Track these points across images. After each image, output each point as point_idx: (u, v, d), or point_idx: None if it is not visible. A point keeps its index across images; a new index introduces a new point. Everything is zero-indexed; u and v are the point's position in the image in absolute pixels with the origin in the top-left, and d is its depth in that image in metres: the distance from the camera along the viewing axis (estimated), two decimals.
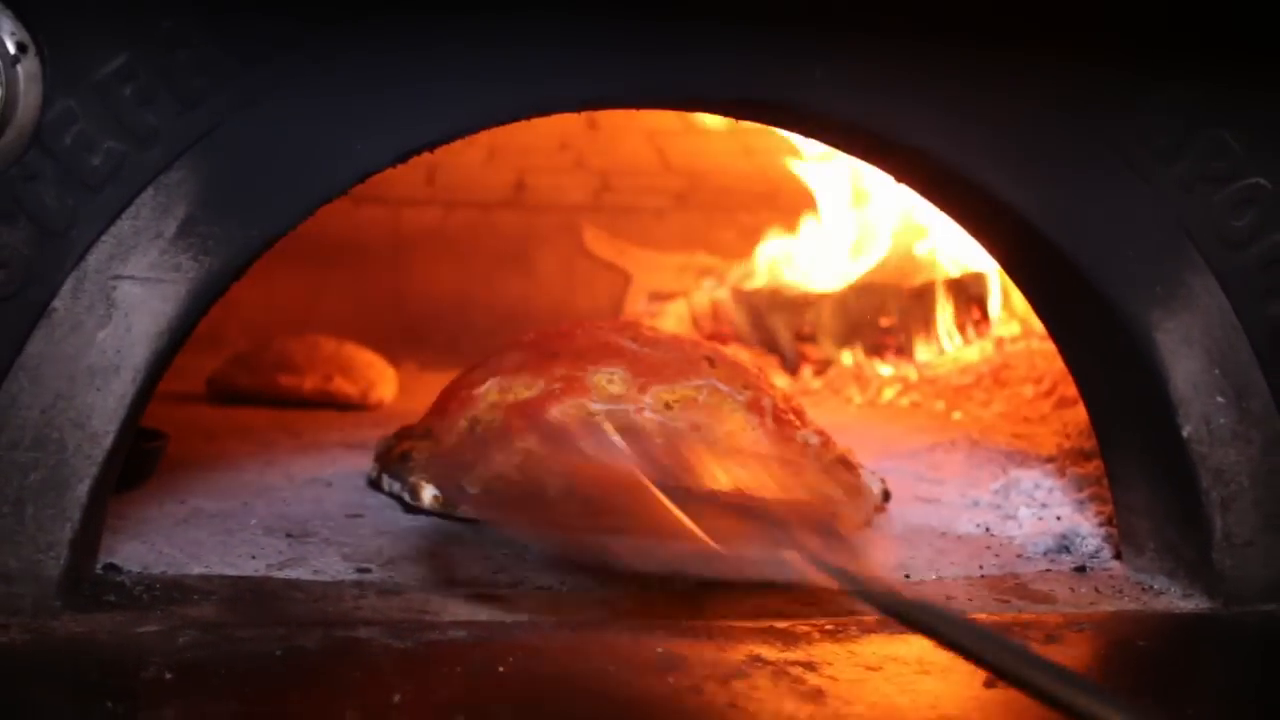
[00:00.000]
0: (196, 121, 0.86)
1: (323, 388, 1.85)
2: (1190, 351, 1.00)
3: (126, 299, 0.85)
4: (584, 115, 2.52)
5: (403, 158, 0.91)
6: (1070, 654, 0.88)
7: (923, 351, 2.16)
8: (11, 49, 0.82)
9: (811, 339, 2.20)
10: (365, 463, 1.38)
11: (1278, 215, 1.01)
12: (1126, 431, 1.09)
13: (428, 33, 0.90)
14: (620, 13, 0.92)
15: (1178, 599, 1.02)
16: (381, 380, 1.94)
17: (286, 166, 0.88)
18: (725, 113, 1.04)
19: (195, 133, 0.86)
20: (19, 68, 0.82)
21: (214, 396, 1.86)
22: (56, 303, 0.84)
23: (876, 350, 2.18)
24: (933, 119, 0.98)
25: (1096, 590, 1.04)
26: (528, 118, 0.94)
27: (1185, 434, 1.00)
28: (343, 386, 1.87)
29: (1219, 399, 1.00)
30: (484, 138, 2.42)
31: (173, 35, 0.85)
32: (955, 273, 2.18)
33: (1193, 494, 1.01)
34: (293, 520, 1.12)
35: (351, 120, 0.89)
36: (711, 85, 0.96)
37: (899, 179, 1.09)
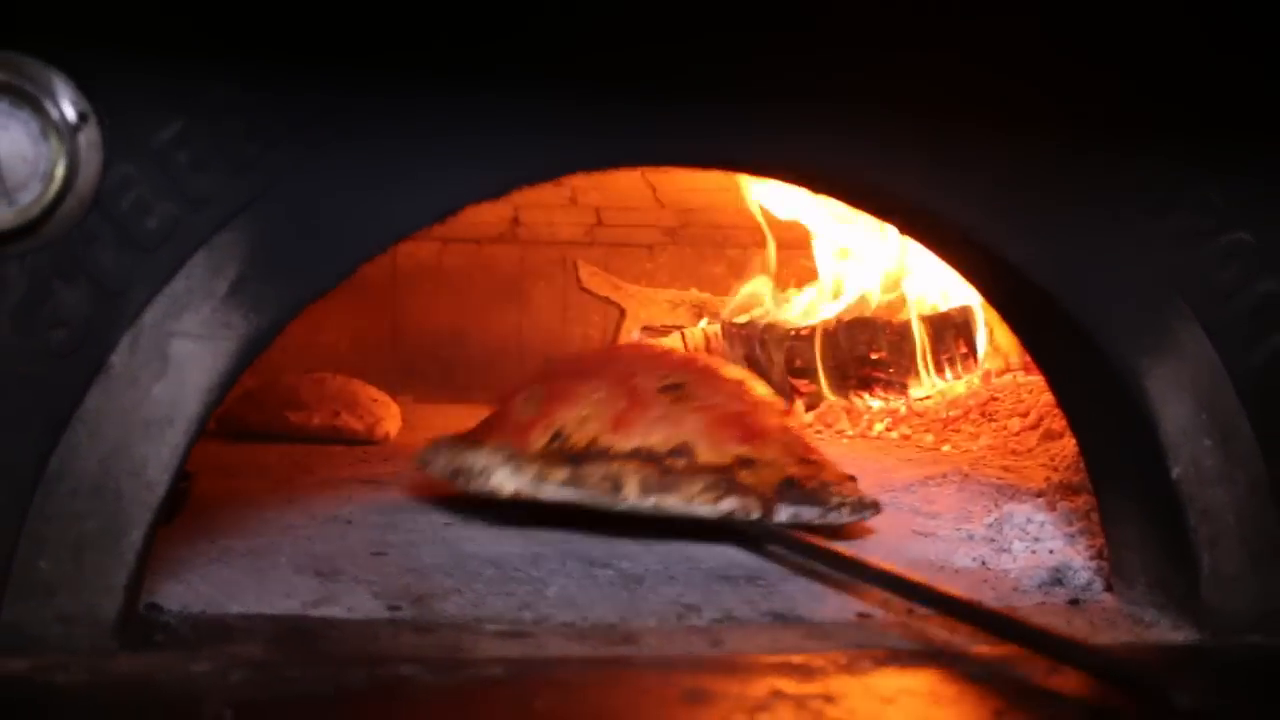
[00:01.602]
0: (246, 186, 0.91)
1: (330, 423, 1.90)
2: (1179, 397, 1.05)
3: (180, 355, 0.89)
4: None
5: (437, 218, 0.96)
6: (1071, 685, 0.92)
7: (912, 385, 2.22)
8: (73, 118, 0.87)
9: (803, 373, 2.24)
10: (380, 497, 1.43)
11: (1260, 268, 1.06)
12: (1118, 471, 1.14)
13: (463, 101, 0.95)
14: (627, 86, 0.98)
15: (1168, 631, 1.07)
16: (387, 415, 1.98)
17: (330, 228, 0.93)
18: (741, 172, 1.09)
19: (245, 196, 0.91)
20: (80, 136, 0.87)
21: (225, 433, 1.91)
22: (114, 359, 0.88)
23: (866, 384, 2.23)
24: (929, 177, 1.03)
25: (1091, 623, 1.09)
26: (554, 179, 1.00)
27: (1174, 475, 1.05)
28: (350, 422, 1.91)
29: (1206, 442, 1.06)
30: None
31: (224, 103, 0.90)
32: (943, 307, 2.24)
33: (1182, 532, 1.06)
34: (320, 558, 1.16)
35: (391, 183, 0.94)
36: (726, 152, 1.02)
37: (902, 231, 1.14)
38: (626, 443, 1.29)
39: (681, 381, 1.35)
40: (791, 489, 1.28)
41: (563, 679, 0.88)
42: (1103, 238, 1.05)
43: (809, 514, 1.28)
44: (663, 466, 1.27)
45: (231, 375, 0.91)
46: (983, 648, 0.99)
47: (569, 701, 0.83)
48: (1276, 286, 1.07)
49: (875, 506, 1.35)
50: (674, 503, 1.24)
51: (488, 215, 2.62)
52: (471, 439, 1.36)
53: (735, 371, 1.47)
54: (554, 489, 1.24)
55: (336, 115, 0.93)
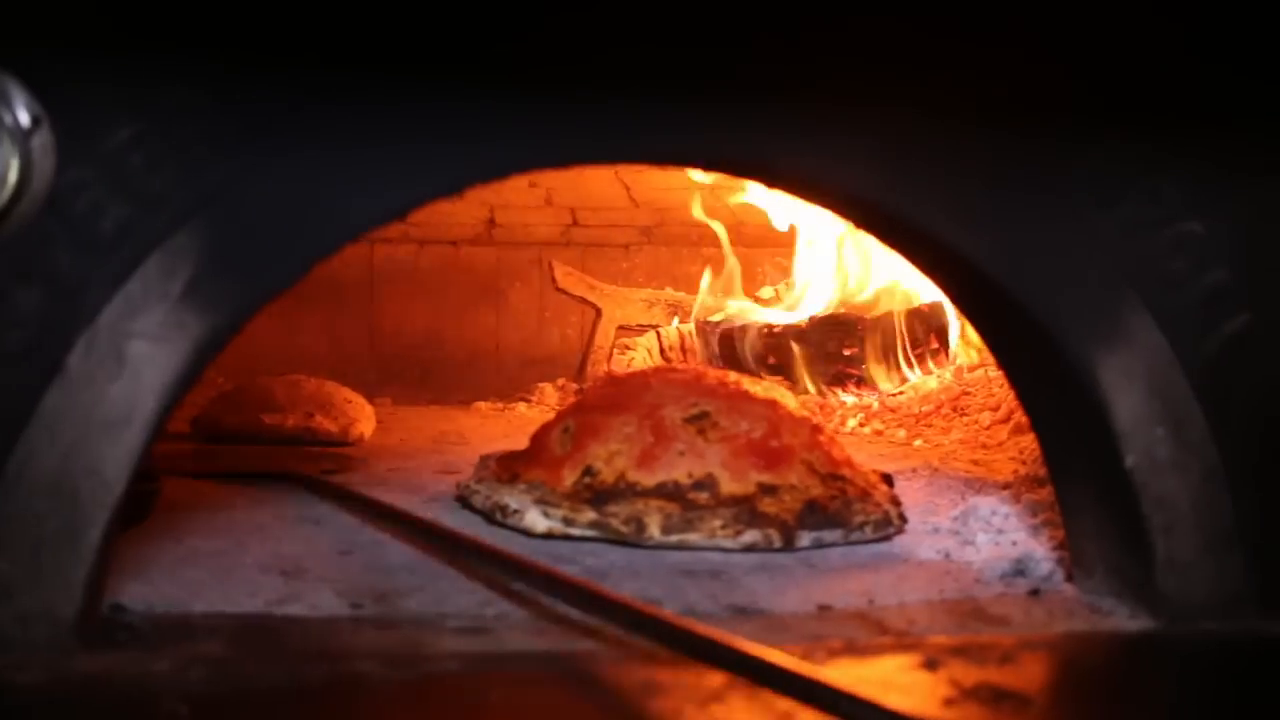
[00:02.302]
0: (200, 187, 0.91)
1: (305, 425, 1.91)
2: (1131, 386, 1.07)
3: (136, 355, 0.90)
4: None
5: (391, 217, 0.97)
6: (1025, 673, 0.94)
7: (884, 380, 2.23)
8: (26, 123, 0.87)
9: (777, 370, 2.25)
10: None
11: (1209, 258, 1.08)
12: (1074, 461, 1.15)
13: (417, 101, 0.96)
14: (595, 80, 0.99)
15: (1125, 619, 1.08)
16: (361, 417, 1.99)
17: (284, 228, 0.93)
18: (695, 168, 1.10)
19: (199, 198, 0.91)
20: (34, 140, 0.88)
21: (200, 435, 1.91)
22: (70, 360, 0.89)
23: (839, 380, 2.24)
24: (878, 171, 1.04)
25: (1049, 612, 1.10)
26: (507, 177, 1.00)
27: (1128, 464, 1.06)
28: (324, 424, 1.92)
29: (1159, 431, 1.07)
30: None
31: (177, 105, 0.91)
32: (915, 303, 2.25)
33: (1137, 520, 1.07)
34: (286, 558, 1.17)
35: (345, 183, 0.95)
36: (680, 148, 1.03)
37: (857, 225, 1.15)
38: (651, 478, 1.32)
39: (708, 410, 1.38)
40: (814, 514, 1.30)
41: (519, 673, 0.89)
42: (1053, 229, 1.06)
43: (831, 536, 1.30)
44: (686, 501, 1.29)
45: (188, 375, 0.92)
46: (939, 637, 1.01)
47: (524, 694, 0.83)
48: (1226, 276, 1.08)
49: (900, 522, 1.36)
50: (697, 539, 1.27)
51: (463, 217, 2.63)
52: (510, 472, 1.39)
53: (766, 389, 1.49)
54: (581, 530, 1.27)
55: (289, 116, 0.93)
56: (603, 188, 2.64)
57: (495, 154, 0.98)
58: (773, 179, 1.11)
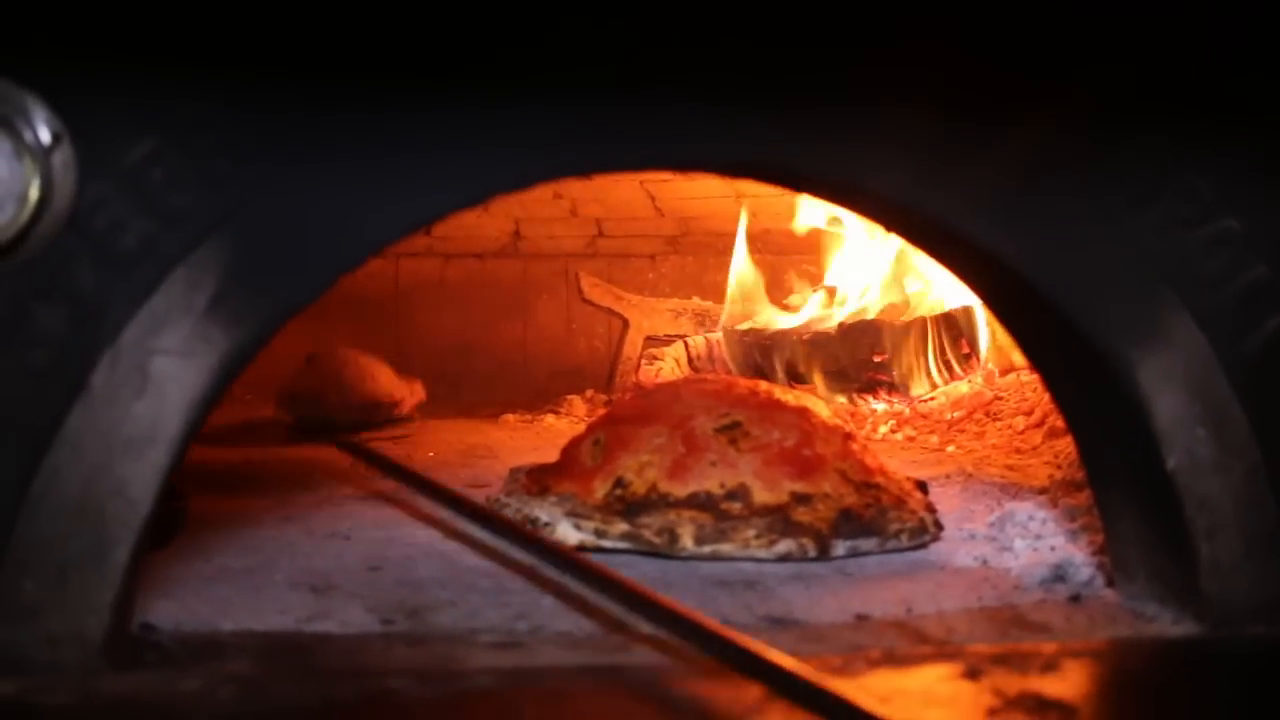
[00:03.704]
0: (222, 201, 0.91)
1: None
2: (1171, 387, 1.05)
3: (160, 372, 0.89)
4: None
5: (413, 228, 0.96)
6: (1069, 681, 0.92)
7: (916, 386, 2.21)
8: (47, 140, 0.87)
9: (807, 378, 2.24)
10: (379, 514, 1.42)
11: (1247, 255, 1.05)
12: (1114, 464, 1.13)
13: (434, 111, 0.95)
14: (619, 86, 0.98)
15: (1168, 624, 1.06)
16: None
17: (307, 241, 0.93)
18: (722, 174, 1.09)
19: (221, 212, 0.90)
20: (54, 157, 0.87)
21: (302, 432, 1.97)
22: (94, 378, 0.88)
23: (870, 387, 2.22)
24: (910, 173, 1.02)
25: (1091, 619, 1.09)
26: (530, 186, 0.99)
27: (1170, 466, 1.04)
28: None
29: (1200, 431, 1.05)
30: None
31: (196, 120, 0.90)
32: (944, 308, 2.23)
33: (1179, 523, 1.05)
34: (316, 574, 1.16)
35: (366, 195, 0.94)
36: (708, 153, 1.02)
37: (888, 229, 1.14)
38: (683, 489, 1.31)
39: (739, 420, 1.37)
40: (849, 522, 1.28)
41: (554, 688, 0.88)
42: (1088, 229, 1.04)
43: (867, 545, 1.28)
44: (719, 512, 1.28)
45: (214, 392, 0.91)
46: (980, 646, 0.99)
47: (558, 710, 0.82)
48: (1265, 273, 1.06)
49: (936, 529, 1.35)
50: (730, 549, 1.25)
51: (489, 230, 2.62)
52: (541, 485, 1.39)
53: (797, 398, 1.48)
54: (614, 542, 1.26)
55: (308, 128, 0.93)
56: (628, 198, 2.63)
57: (518, 163, 0.97)
58: (801, 183, 1.10)
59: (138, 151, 0.90)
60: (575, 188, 2.59)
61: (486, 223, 2.59)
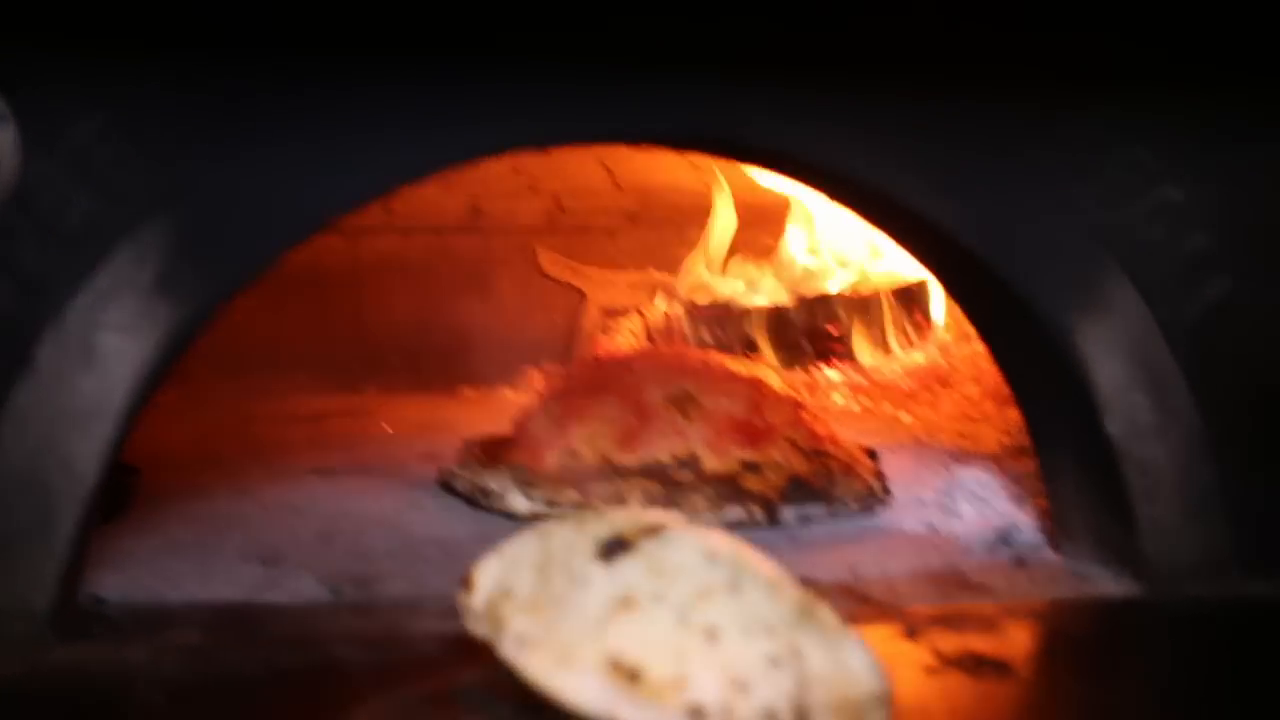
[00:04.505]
0: (168, 178, 0.91)
1: None
2: (1112, 354, 1.06)
3: (106, 347, 0.90)
4: None
5: (360, 203, 0.96)
6: (1008, 640, 0.94)
7: (870, 357, 2.23)
8: None
9: (760, 349, 2.25)
10: (333, 487, 1.43)
11: (1189, 225, 1.07)
12: (1057, 429, 1.15)
13: (384, 84, 0.95)
14: (578, 60, 0.98)
15: (1109, 585, 1.09)
16: None
17: (252, 216, 0.93)
18: (668, 146, 1.10)
19: (167, 189, 0.91)
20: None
21: None
22: (39, 354, 0.89)
23: (825, 357, 2.24)
24: (851, 142, 1.04)
25: (1033, 581, 1.11)
26: (478, 159, 1.00)
27: (1110, 431, 1.06)
28: None
29: (1141, 397, 1.07)
30: None
31: (141, 97, 0.91)
32: (901, 281, 2.24)
33: (1120, 487, 1.07)
34: (266, 546, 1.16)
35: (313, 170, 0.94)
36: (653, 126, 1.03)
37: (831, 199, 1.15)
38: (634, 458, 1.32)
39: (690, 390, 1.37)
40: (798, 489, 1.30)
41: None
42: (1031, 198, 1.06)
43: (815, 511, 1.30)
44: (669, 480, 1.29)
45: (160, 366, 0.92)
46: (921, 607, 1.01)
47: (499, 672, 0.83)
48: (1206, 242, 1.08)
49: (884, 495, 1.36)
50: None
51: (447, 205, 2.61)
52: (492, 456, 1.39)
53: (749, 368, 1.49)
54: (563, 511, 1.26)
55: (254, 104, 0.93)
56: (586, 173, 2.62)
57: (464, 136, 0.98)
58: (745, 155, 1.11)
59: (83, 129, 0.90)
60: (533, 163, 2.58)
61: (445, 198, 2.58)
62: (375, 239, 2.58)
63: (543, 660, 0.69)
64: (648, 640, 0.66)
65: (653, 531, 0.72)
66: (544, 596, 0.72)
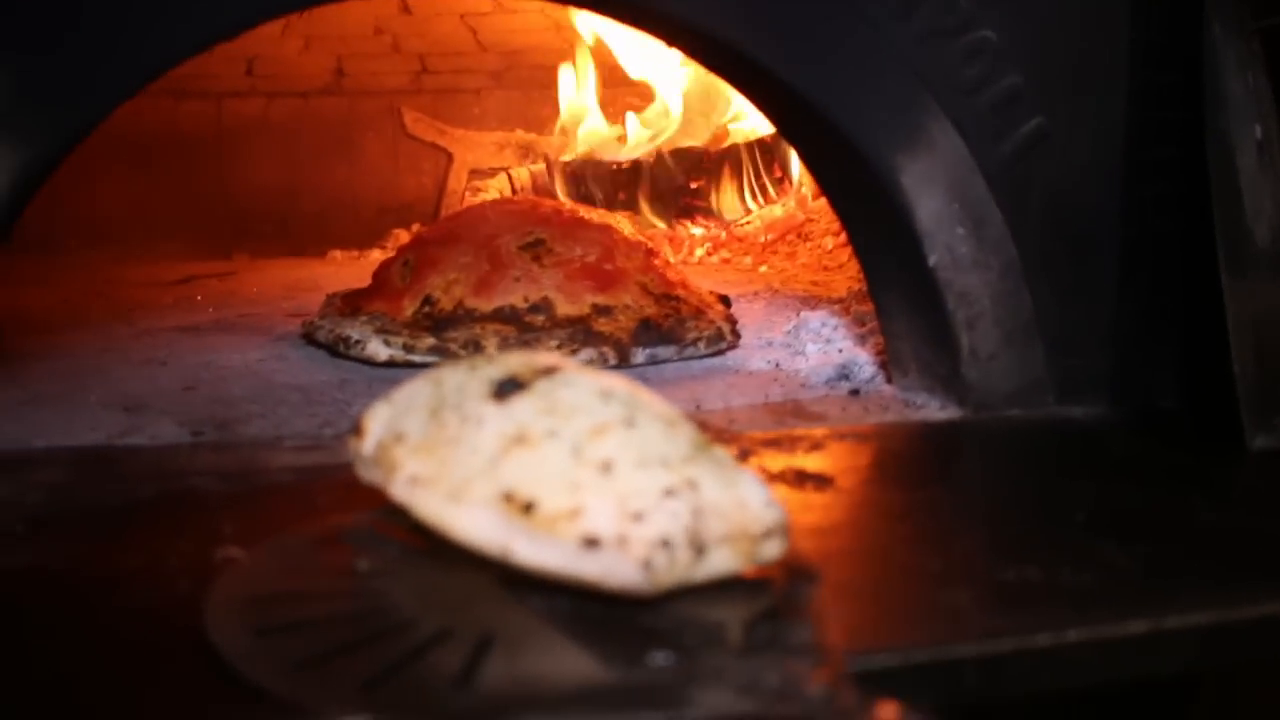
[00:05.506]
0: (6, 24, 0.92)
1: None
2: (932, 190, 1.12)
3: None
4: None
5: (207, 45, 0.98)
6: (832, 458, 1.00)
7: (731, 211, 2.28)
8: None
9: (626, 205, 2.29)
10: (198, 343, 1.45)
11: (1003, 65, 1.12)
12: (885, 265, 1.21)
13: None
14: None
15: (935, 410, 1.16)
16: None
17: (95, 58, 0.95)
18: None
19: (5, 31, 0.92)
20: None
21: None
22: None
23: (688, 212, 2.28)
24: None
25: (865, 408, 1.17)
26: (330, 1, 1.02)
27: (931, 263, 1.12)
28: None
29: (959, 230, 1.13)
30: (301, 26, 2.42)
31: None
32: (758, 134, 2.29)
33: (942, 316, 1.14)
34: (130, 396, 1.19)
35: (158, 10, 0.95)
36: None
37: (681, 51, 1.19)
38: (489, 304, 1.36)
39: (542, 237, 1.42)
40: (648, 331, 1.34)
41: (349, 479, 0.92)
42: (852, 41, 1.10)
43: (665, 352, 1.35)
44: (523, 324, 1.34)
45: (5, 212, 0.93)
46: (756, 433, 1.07)
47: (349, 495, 0.87)
48: (1018, 81, 1.13)
49: (733, 337, 1.42)
50: None
51: (311, 67, 2.59)
52: (353, 307, 1.43)
53: (601, 216, 1.53)
54: (421, 356, 1.30)
55: None
56: (450, 32, 2.62)
57: None
58: (600, 6, 1.14)
59: None
60: (396, 23, 2.58)
61: (308, 61, 2.57)
62: (239, 103, 2.55)
63: (435, 496, 0.69)
64: (542, 474, 0.66)
65: (547, 372, 0.72)
66: (437, 438, 0.71)
